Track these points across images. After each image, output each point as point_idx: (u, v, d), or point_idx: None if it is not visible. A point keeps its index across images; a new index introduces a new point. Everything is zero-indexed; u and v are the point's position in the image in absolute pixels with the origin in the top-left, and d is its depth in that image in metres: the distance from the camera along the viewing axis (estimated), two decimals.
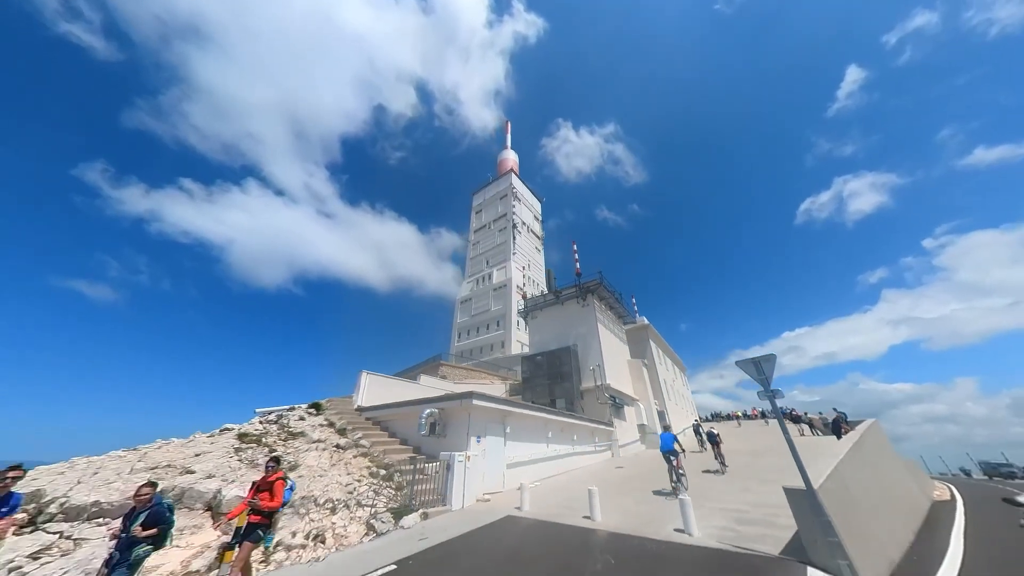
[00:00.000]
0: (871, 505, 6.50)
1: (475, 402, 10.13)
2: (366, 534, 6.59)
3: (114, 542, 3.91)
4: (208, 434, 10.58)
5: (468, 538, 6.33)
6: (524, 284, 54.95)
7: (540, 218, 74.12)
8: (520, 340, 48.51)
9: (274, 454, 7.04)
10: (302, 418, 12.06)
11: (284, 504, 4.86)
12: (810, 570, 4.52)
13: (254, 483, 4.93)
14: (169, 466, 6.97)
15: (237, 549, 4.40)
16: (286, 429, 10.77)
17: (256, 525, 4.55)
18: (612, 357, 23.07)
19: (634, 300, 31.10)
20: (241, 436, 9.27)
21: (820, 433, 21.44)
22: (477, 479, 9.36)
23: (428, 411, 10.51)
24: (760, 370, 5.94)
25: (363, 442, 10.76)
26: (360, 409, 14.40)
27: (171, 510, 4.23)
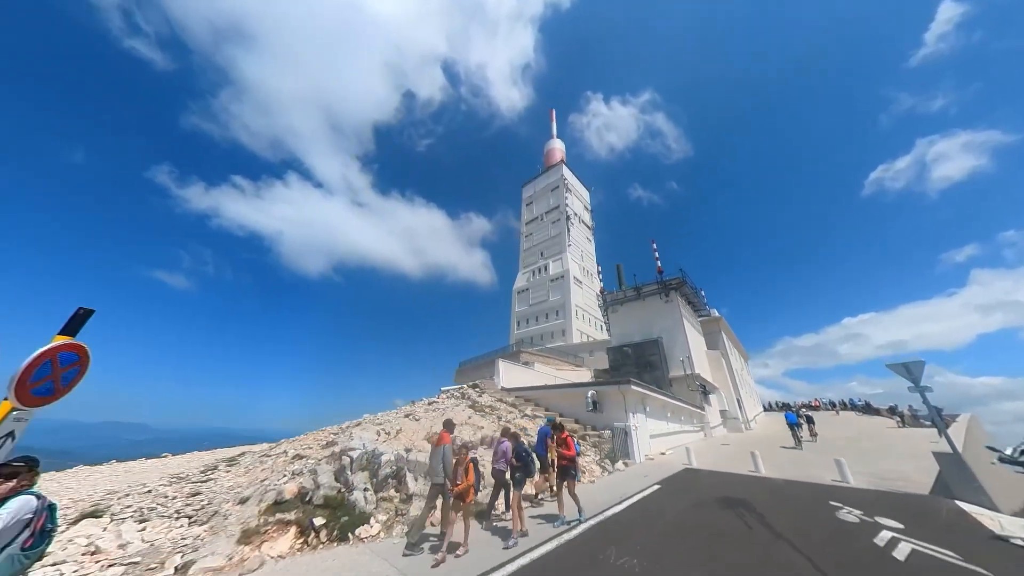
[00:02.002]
0: (990, 476, 8.63)
1: (632, 387, 13.17)
2: (601, 472, 9.91)
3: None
4: (426, 401, 14.65)
5: (677, 477, 9.41)
6: (602, 277, 57.15)
7: (589, 207, 74.84)
8: (580, 329, 51.27)
9: (557, 421, 10.44)
10: (479, 395, 15.86)
11: (577, 453, 8.02)
12: (958, 502, 6.98)
13: (555, 439, 8.13)
14: (464, 424, 10.73)
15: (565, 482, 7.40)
16: (478, 404, 14.51)
17: (567, 467, 7.67)
18: (695, 349, 25.19)
19: (703, 293, 32.36)
20: (473, 406, 13.07)
21: (909, 425, 22.42)
22: (640, 443, 12.49)
23: (591, 392, 13.74)
24: (910, 371, 8.21)
25: (538, 414, 14.29)
26: (505, 389, 18.09)
27: (527, 452, 7.19)
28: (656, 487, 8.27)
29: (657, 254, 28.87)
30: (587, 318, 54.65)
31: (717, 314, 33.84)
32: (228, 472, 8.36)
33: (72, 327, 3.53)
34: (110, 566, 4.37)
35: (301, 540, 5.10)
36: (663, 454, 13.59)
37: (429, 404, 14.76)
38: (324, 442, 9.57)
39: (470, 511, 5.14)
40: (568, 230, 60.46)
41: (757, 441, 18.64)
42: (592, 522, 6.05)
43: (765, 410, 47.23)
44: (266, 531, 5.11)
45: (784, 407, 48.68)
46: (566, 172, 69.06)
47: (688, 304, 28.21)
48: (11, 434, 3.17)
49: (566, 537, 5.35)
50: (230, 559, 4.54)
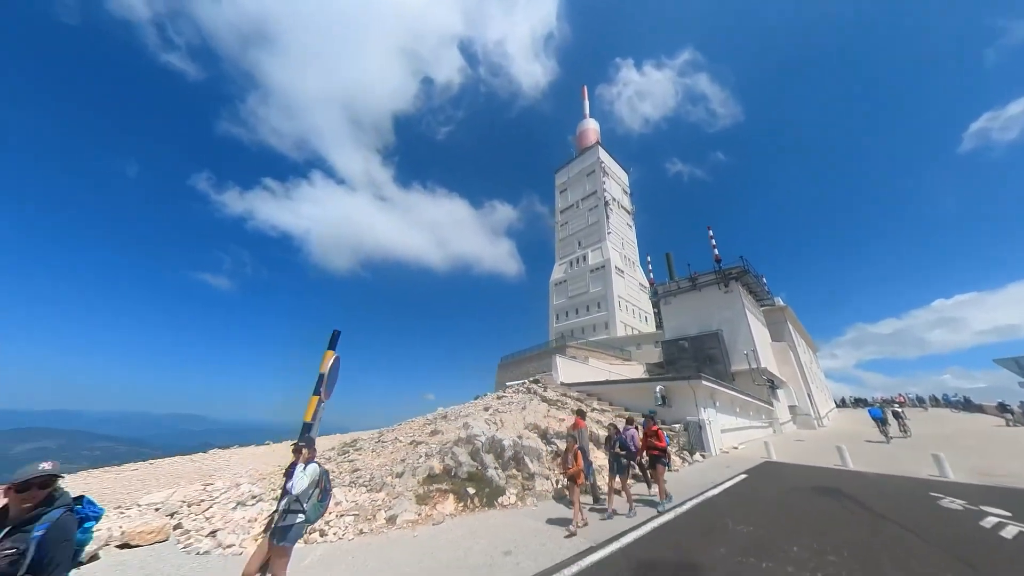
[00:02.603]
0: None
1: (703, 382, 13.89)
2: (682, 462, 10.91)
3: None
4: (495, 395, 16.29)
5: (760, 468, 10.18)
6: (652, 267, 56.74)
7: (628, 191, 73.16)
8: (624, 321, 51.23)
9: (649, 411, 11.57)
10: (544, 390, 17.27)
11: (668, 444, 9.02)
12: None
13: (644, 431, 9.17)
14: (547, 416, 12.16)
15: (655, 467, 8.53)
16: (548, 398, 15.90)
17: (658, 457, 8.68)
18: (760, 341, 24.88)
19: (764, 279, 31.26)
20: (546, 401, 14.51)
21: (1019, 424, 20.92)
22: (713, 437, 13.26)
23: (659, 387, 14.62)
24: (1022, 367, 8.31)
25: (606, 408, 15.44)
26: (564, 384, 19.37)
27: (626, 443, 8.36)
28: (743, 476, 9.16)
29: (714, 241, 28.42)
30: (631, 310, 54.37)
31: (782, 302, 32.72)
32: (359, 454, 10.40)
33: (332, 343, 5.19)
34: (340, 515, 6.20)
35: (460, 504, 6.71)
36: (736, 448, 14.25)
37: (498, 398, 16.45)
38: (428, 431, 11.42)
39: (581, 490, 6.45)
40: (607, 217, 59.82)
41: (836, 437, 18.51)
42: (696, 501, 7.16)
43: (838, 406, 44.91)
44: (432, 496, 6.77)
45: (859, 403, 46.02)
46: (602, 154, 67.80)
47: (750, 293, 27.68)
48: (319, 419, 4.88)
49: (680, 510, 6.52)
50: (419, 514, 6.21)
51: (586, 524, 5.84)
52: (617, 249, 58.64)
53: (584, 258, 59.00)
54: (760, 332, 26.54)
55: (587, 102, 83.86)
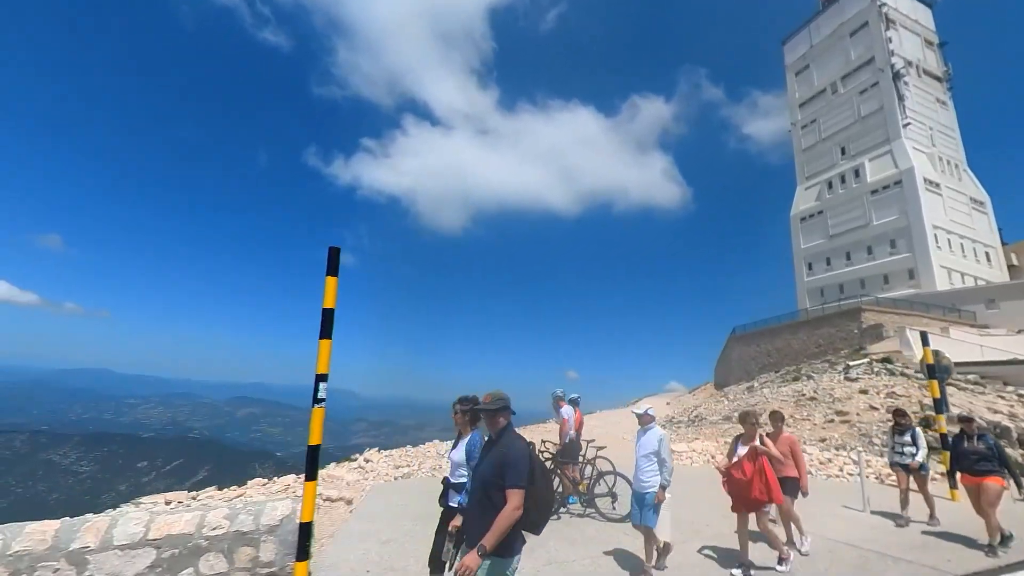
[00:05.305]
0: None
1: None
2: None
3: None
4: (842, 377, 18.48)
5: None
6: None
7: (936, 40, 56.01)
8: (946, 265, 42.50)
9: None
10: (914, 371, 18.30)
11: None
12: None
13: None
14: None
15: None
16: (916, 379, 16.98)
17: None
18: None
19: None
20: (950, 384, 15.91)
21: None
22: None
23: None
24: None
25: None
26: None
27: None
28: None
29: None
30: (957, 245, 44.41)
31: None
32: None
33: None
34: None
35: None
36: None
37: (852, 380, 18.68)
38: (823, 413, 14.76)
39: None
40: (899, 96, 48.20)
41: None
42: None
43: None
44: None
45: None
46: None
47: None
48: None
49: None
50: None
51: None
52: (923, 148, 47.35)
53: (856, 172, 50.24)
54: None
55: None
